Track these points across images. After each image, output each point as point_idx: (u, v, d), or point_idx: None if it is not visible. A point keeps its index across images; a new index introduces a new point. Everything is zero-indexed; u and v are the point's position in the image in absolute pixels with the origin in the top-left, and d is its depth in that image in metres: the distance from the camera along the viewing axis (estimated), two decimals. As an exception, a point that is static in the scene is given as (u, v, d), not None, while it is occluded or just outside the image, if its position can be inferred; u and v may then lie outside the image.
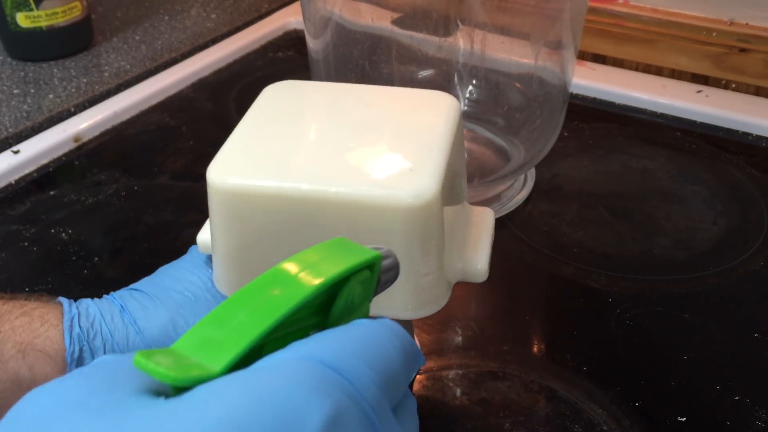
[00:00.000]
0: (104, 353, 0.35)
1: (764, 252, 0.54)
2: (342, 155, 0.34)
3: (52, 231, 0.57)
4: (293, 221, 0.33)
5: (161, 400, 0.20)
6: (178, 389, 0.21)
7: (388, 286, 0.28)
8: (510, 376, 0.44)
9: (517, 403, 0.43)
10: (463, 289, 0.53)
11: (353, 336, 0.23)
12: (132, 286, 0.39)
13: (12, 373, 0.33)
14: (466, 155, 0.40)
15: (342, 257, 0.25)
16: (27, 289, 0.52)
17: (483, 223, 0.40)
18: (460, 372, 0.45)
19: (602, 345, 0.47)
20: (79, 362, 0.35)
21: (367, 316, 0.26)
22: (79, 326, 0.35)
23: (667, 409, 0.42)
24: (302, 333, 0.23)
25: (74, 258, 0.54)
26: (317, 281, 0.23)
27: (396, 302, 0.34)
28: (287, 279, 0.23)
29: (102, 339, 0.36)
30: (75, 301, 0.37)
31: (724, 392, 0.43)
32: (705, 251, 0.55)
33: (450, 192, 0.35)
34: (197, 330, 0.22)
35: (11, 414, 0.21)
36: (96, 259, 0.55)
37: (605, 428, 0.41)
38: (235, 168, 0.34)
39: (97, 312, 0.36)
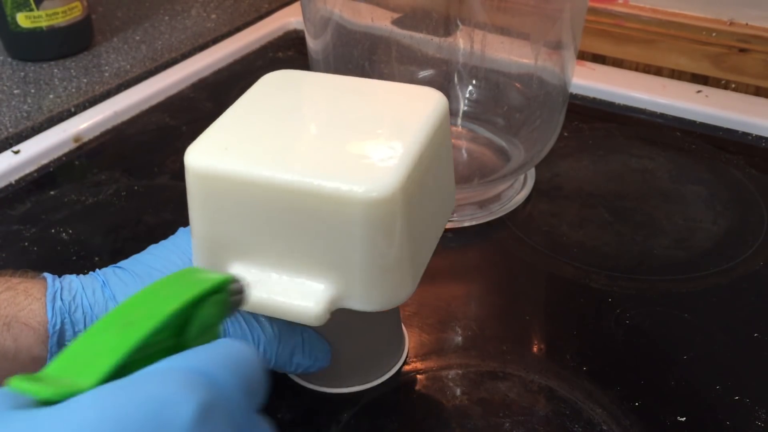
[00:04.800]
0: (84, 326, 0.36)
1: (764, 252, 0.54)
2: (315, 145, 0.36)
3: (53, 231, 0.57)
4: (259, 207, 0.34)
5: (40, 408, 0.21)
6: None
7: (238, 308, 0.30)
8: (510, 376, 0.44)
9: (517, 403, 0.43)
10: (463, 289, 0.53)
11: (214, 348, 0.25)
12: (117, 264, 0.40)
13: None
14: (451, 150, 0.40)
15: (191, 285, 0.27)
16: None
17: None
18: (460, 372, 0.45)
19: (602, 345, 0.47)
20: (61, 334, 0.36)
21: (219, 335, 0.29)
22: (61, 299, 0.37)
23: (667, 409, 0.42)
24: (163, 354, 0.25)
25: (74, 258, 0.54)
26: (170, 308, 0.26)
27: (359, 295, 0.35)
28: (143, 306, 0.26)
29: (83, 312, 0.37)
30: (59, 276, 0.39)
31: (724, 392, 0.43)
32: (705, 251, 0.55)
33: (422, 186, 0.35)
34: (66, 355, 0.24)
35: None
36: (96, 259, 0.55)
37: (605, 428, 0.41)
38: (210, 151, 0.35)
39: (79, 286, 0.38)
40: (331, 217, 0.33)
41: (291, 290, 0.35)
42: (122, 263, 0.40)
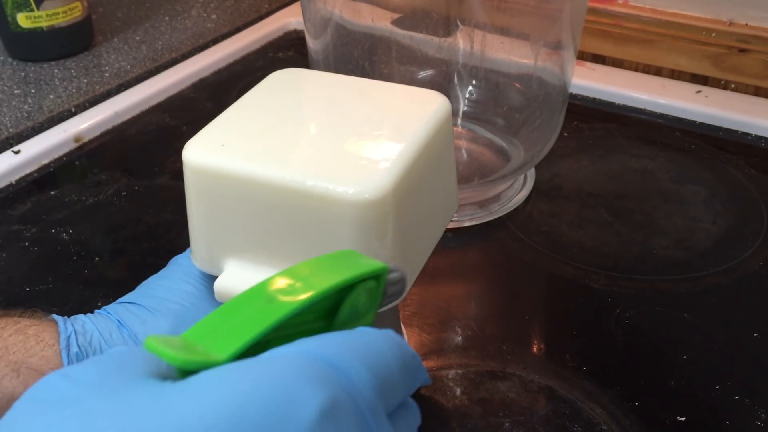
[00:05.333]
0: None
1: (763, 252, 0.54)
2: (312, 145, 0.36)
3: (53, 231, 0.57)
4: (253, 204, 0.34)
5: (167, 383, 0.21)
6: (185, 374, 0.22)
7: (394, 299, 0.29)
8: (510, 375, 0.45)
9: (517, 403, 0.43)
10: (463, 289, 0.54)
11: (354, 339, 0.24)
12: (124, 299, 0.38)
13: (6, 392, 0.33)
14: (453, 154, 0.40)
15: (348, 267, 0.26)
16: (27, 289, 0.52)
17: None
18: (460, 372, 0.45)
19: (602, 345, 0.47)
20: None
21: (371, 325, 0.27)
22: (78, 345, 0.35)
23: (666, 409, 0.42)
24: (307, 335, 0.24)
25: (75, 258, 0.55)
26: (321, 286, 0.24)
27: None
28: (295, 280, 0.24)
29: None
30: (69, 317, 0.37)
31: (723, 392, 0.43)
32: (704, 251, 0.55)
33: (418, 189, 0.35)
34: (206, 322, 0.23)
35: (27, 394, 0.21)
36: (96, 259, 0.55)
37: (605, 428, 0.41)
38: (207, 146, 0.35)
39: (93, 329, 0.36)
40: (322, 217, 0.33)
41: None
42: (130, 298, 0.38)
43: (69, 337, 0.35)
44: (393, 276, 0.28)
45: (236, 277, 0.36)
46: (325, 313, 0.25)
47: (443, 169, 0.39)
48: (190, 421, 0.19)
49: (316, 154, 0.35)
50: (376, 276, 0.27)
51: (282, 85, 0.41)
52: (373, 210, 0.32)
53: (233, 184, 0.34)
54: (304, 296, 0.24)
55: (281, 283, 0.24)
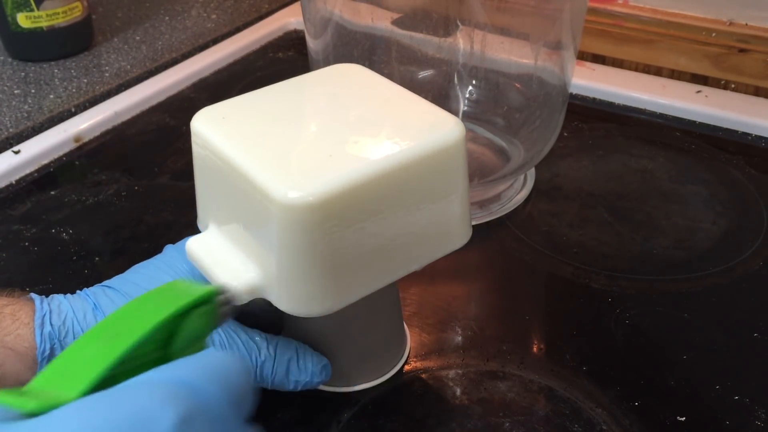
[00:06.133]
0: None
1: (763, 252, 0.54)
2: (291, 140, 0.36)
3: (53, 231, 0.57)
4: (222, 178, 0.36)
5: (23, 421, 0.21)
6: None
7: (224, 319, 0.31)
8: (510, 375, 0.45)
9: (517, 403, 0.43)
10: (463, 289, 0.54)
11: (199, 359, 0.25)
12: (105, 283, 0.39)
13: None
14: (460, 186, 0.38)
15: (176, 298, 0.27)
16: (27, 289, 0.52)
17: None
18: (460, 372, 0.45)
19: (602, 345, 0.47)
20: (50, 359, 0.35)
21: (206, 347, 0.29)
22: (51, 324, 0.36)
23: (666, 409, 0.42)
24: (149, 366, 0.25)
25: (75, 258, 0.55)
26: (155, 320, 0.26)
27: (276, 292, 0.35)
28: (129, 319, 0.26)
29: (73, 336, 0.36)
30: (47, 297, 0.38)
31: (723, 392, 0.43)
32: (704, 251, 0.55)
33: (374, 209, 0.34)
34: (51, 367, 0.24)
35: None
36: (97, 259, 0.55)
37: (605, 428, 0.41)
38: (211, 116, 0.37)
39: (69, 309, 0.37)
40: (261, 210, 0.34)
41: (228, 263, 0.36)
42: (110, 282, 0.39)
43: (44, 316, 0.36)
44: (221, 298, 0.30)
45: (203, 243, 0.37)
46: (164, 343, 0.27)
47: (436, 201, 0.37)
48: None
49: (287, 149, 0.35)
50: (207, 300, 0.29)
51: (327, 78, 0.42)
52: (299, 214, 0.32)
53: (211, 155, 0.36)
54: (139, 332, 0.25)
55: (119, 321, 0.26)
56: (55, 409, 0.21)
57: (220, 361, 0.25)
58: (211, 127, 0.37)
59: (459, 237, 0.39)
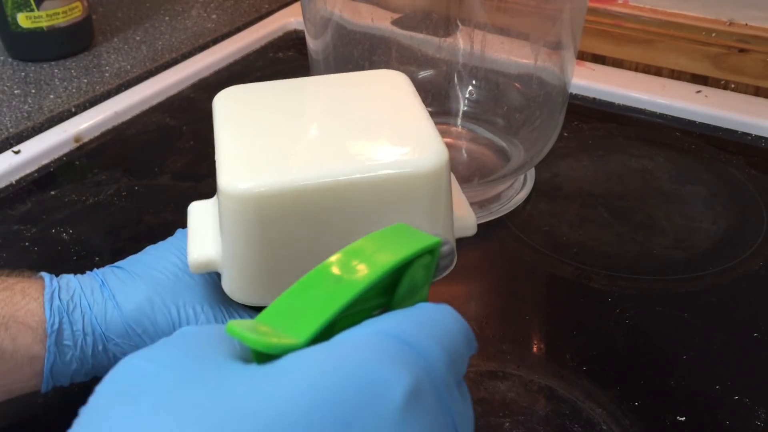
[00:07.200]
0: (82, 325, 0.36)
1: (763, 252, 0.54)
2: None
3: (53, 231, 0.57)
4: (318, 214, 0.34)
5: (253, 366, 0.21)
6: (261, 357, 0.22)
7: (444, 272, 0.29)
8: (510, 375, 0.45)
9: (517, 403, 0.43)
10: (463, 289, 0.53)
11: (422, 316, 0.24)
12: (116, 263, 0.40)
13: None
14: (443, 206, 0.39)
15: (407, 243, 0.26)
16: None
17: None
18: (460, 372, 0.45)
19: (602, 345, 0.47)
20: (59, 333, 0.36)
21: (426, 298, 0.27)
22: (59, 299, 0.37)
23: (666, 409, 0.42)
24: (367, 313, 0.24)
25: (75, 258, 0.55)
26: (387, 264, 0.25)
27: (222, 272, 0.36)
28: (359, 259, 0.25)
29: (81, 311, 0.37)
30: (57, 275, 0.39)
31: (723, 392, 0.43)
32: (704, 251, 0.55)
33: (321, 214, 0.35)
34: (277, 305, 0.23)
35: (110, 378, 0.21)
36: (97, 259, 0.55)
37: (605, 428, 0.41)
38: (229, 96, 0.38)
39: (77, 286, 0.38)
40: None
41: (205, 233, 0.37)
42: (120, 263, 0.40)
43: (53, 291, 0.37)
44: (445, 248, 0.28)
45: (201, 209, 0.38)
46: (385, 290, 0.26)
47: (409, 216, 0.35)
48: (285, 407, 0.20)
49: (266, 140, 0.36)
50: (431, 250, 0.27)
51: (358, 81, 0.42)
52: (233, 202, 0.33)
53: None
54: (372, 274, 0.24)
55: (346, 262, 0.25)
56: (284, 360, 0.21)
57: (441, 318, 0.25)
58: (223, 105, 0.38)
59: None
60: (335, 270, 0.24)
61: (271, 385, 0.20)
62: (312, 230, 0.34)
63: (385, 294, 0.26)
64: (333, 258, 0.25)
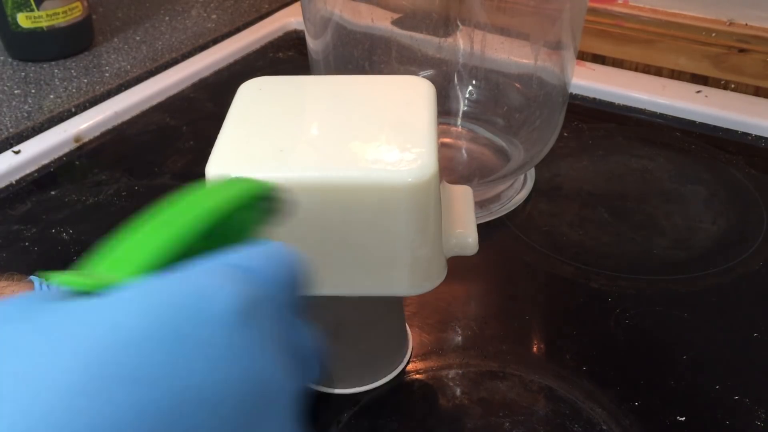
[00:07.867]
0: None
1: (764, 252, 0.54)
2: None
3: (53, 231, 0.57)
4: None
5: (81, 299, 0.21)
6: None
7: (275, 216, 0.29)
8: (510, 375, 0.45)
9: (517, 403, 0.43)
10: (463, 289, 0.54)
11: (256, 246, 0.25)
12: None
13: None
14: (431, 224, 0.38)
15: (232, 189, 0.27)
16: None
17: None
18: (460, 372, 0.45)
19: (602, 345, 0.47)
20: None
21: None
22: None
23: (666, 409, 0.42)
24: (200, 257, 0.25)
25: (75, 258, 0.55)
26: (216, 207, 0.25)
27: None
28: (181, 209, 0.25)
29: None
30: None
31: (723, 392, 0.43)
32: (704, 251, 0.55)
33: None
34: (102, 253, 0.24)
35: None
36: (97, 259, 0.55)
37: (605, 428, 0.41)
38: (252, 86, 0.39)
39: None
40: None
41: None
42: None
43: None
44: (273, 194, 0.29)
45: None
46: (214, 235, 0.26)
47: (362, 234, 0.35)
48: (117, 326, 0.19)
49: (263, 135, 0.36)
50: (263, 196, 0.28)
51: (381, 85, 0.41)
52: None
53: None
54: (197, 216, 0.25)
55: (178, 207, 0.25)
56: (113, 288, 0.21)
57: (277, 250, 0.25)
58: (243, 94, 0.39)
59: (404, 286, 0.37)
60: (161, 216, 0.25)
61: (94, 311, 0.20)
62: (286, 227, 0.33)
63: (216, 239, 0.26)
64: (157, 208, 0.25)
